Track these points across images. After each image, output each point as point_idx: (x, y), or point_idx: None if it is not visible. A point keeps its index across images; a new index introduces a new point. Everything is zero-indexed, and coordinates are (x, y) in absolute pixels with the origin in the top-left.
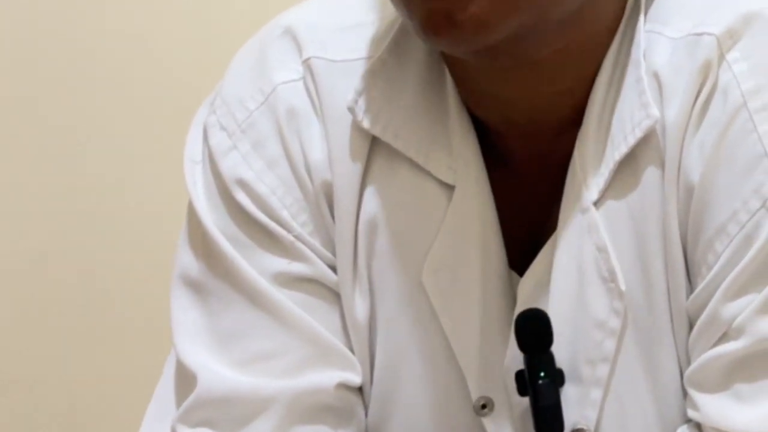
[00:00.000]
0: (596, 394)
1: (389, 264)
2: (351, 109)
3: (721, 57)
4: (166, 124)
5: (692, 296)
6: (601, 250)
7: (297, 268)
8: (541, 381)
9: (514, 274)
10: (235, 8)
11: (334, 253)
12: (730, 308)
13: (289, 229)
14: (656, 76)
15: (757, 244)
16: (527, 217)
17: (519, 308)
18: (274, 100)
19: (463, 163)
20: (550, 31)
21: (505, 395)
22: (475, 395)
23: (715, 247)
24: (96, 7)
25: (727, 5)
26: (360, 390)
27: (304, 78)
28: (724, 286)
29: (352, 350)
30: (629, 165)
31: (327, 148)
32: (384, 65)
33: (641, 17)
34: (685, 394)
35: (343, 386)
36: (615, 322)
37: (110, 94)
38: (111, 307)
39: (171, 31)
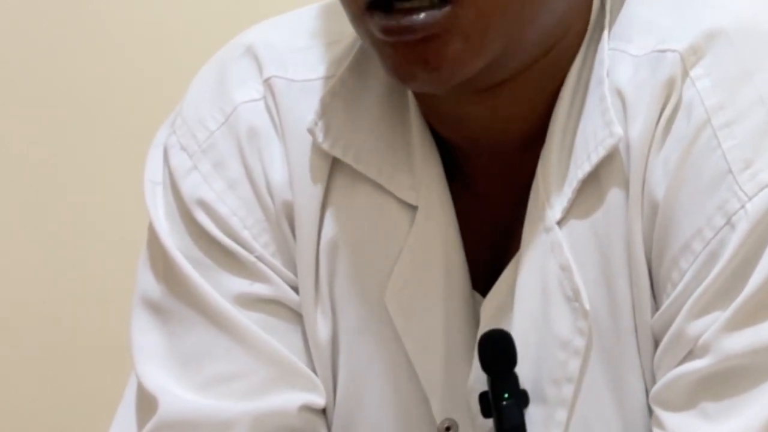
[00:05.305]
0: (561, 414)
1: (351, 285)
2: (311, 131)
3: (685, 74)
4: (132, 142)
5: (657, 314)
6: (565, 269)
7: (259, 289)
8: (505, 402)
9: (478, 295)
10: (204, 30)
11: (296, 274)
12: (696, 326)
13: (250, 250)
14: (620, 94)
15: (722, 262)
16: (491, 236)
17: (482, 329)
18: (235, 119)
19: (425, 183)
20: (517, 56)
21: (469, 417)
22: (438, 417)
23: (680, 265)
24: (48, 28)
25: (691, 22)
26: (323, 412)
27: (264, 98)
28: (689, 303)
29: (314, 371)
30: (593, 184)
31: (288, 169)
32: (344, 85)
33: (605, 35)
34: (651, 412)
35: (307, 408)
36: (579, 342)
37: (73, 114)
38: (70, 329)
39: (132, 51)
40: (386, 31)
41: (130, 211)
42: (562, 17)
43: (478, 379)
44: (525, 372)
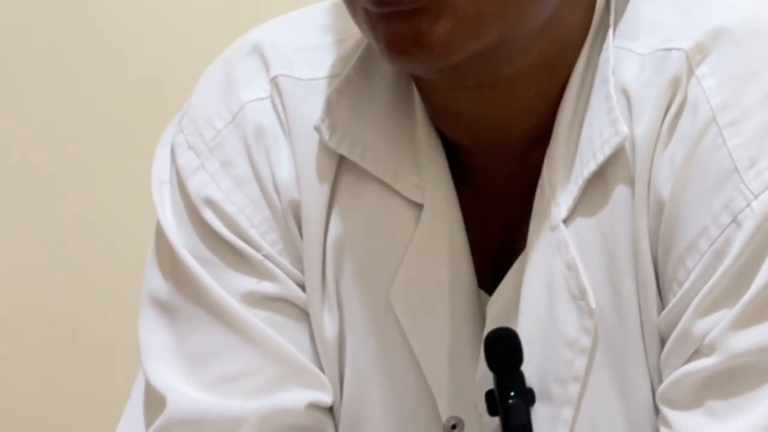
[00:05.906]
0: (567, 413)
1: (357, 283)
2: (317, 129)
3: (690, 72)
4: (132, 143)
5: (663, 313)
6: (571, 267)
7: (266, 287)
8: (511, 400)
9: (484, 293)
10: (203, 30)
11: (303, 272)
12: (702, 324)
13: (258, 248)
14: (625, 92)
15: (728, 260)
16: (496, 235)
17: (488, 327)
18: (242, 118)
19: (431, 182)
20: (516, 48)
21: (475, 415)
22: (444, 415)
23: (686, 263)
24: (48, 28)
25: (696, 21)
26: (330, 410)
27: (271, 96)
28: (695, 302)
29: (321, 369)
30: (598, 182)
31: (294, 168)
32: (350, 84)
33: (610, 33)
34: (657, 411)
35: (314, 406)
36: (585, 341)
37: (77, 113)
38: (70, 329)
39: (132, 51)
40: (375, 0)
41: (131, 211)
42: (561, 12)
43: (484, 378)
44: (531, 370)
